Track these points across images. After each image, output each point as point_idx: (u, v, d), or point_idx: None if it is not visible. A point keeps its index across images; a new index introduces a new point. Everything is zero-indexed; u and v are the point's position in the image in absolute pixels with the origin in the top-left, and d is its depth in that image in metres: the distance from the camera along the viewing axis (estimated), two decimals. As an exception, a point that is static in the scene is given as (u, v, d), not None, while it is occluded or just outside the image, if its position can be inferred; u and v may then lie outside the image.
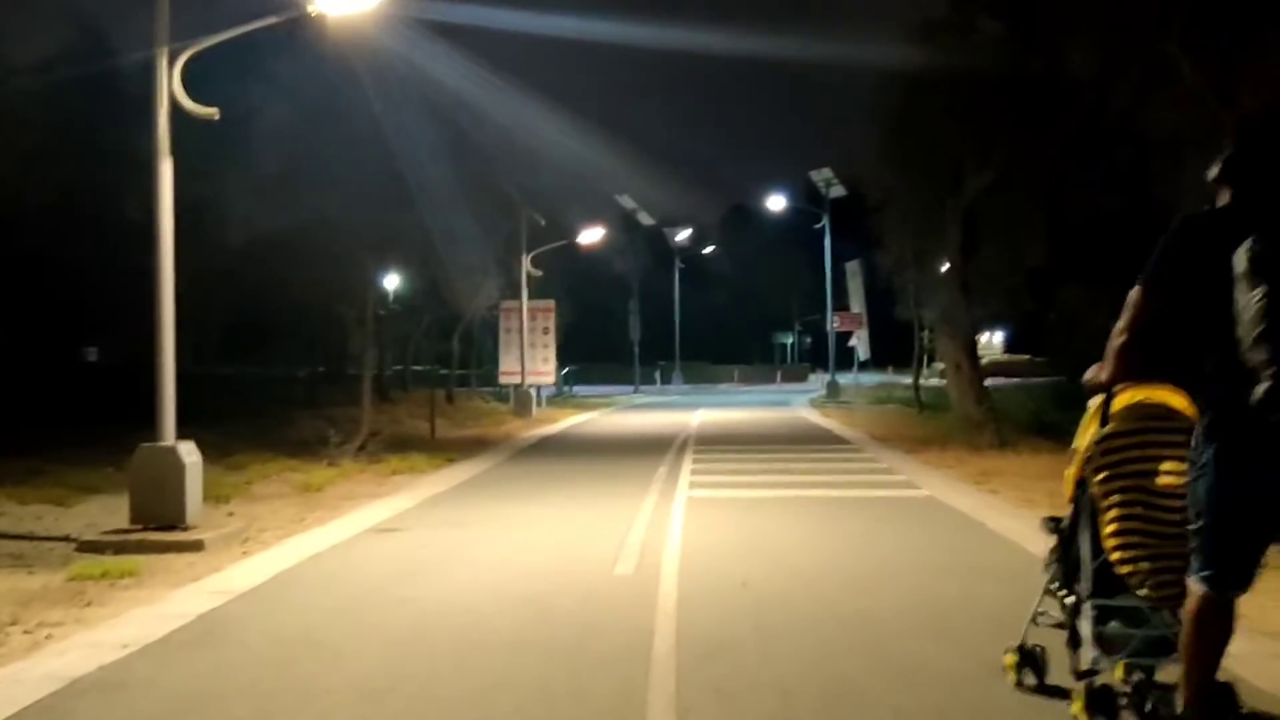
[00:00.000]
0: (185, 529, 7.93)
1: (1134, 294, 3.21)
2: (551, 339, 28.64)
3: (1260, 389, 2.86)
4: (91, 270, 16.52)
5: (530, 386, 26.30)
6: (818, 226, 35.30)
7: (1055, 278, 16.85)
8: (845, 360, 41.61)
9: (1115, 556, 3.44)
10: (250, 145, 15.96)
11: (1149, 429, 3.47)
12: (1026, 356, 37.93)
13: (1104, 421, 3.52)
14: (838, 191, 34.24)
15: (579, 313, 39.30)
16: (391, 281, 22.69)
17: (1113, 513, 3.45)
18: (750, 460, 13.12)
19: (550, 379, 29.62)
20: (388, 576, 6.27)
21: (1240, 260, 2.92)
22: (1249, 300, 2.89)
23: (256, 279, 18.44)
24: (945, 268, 24.21)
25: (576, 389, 38.94)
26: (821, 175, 34.66)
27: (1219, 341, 3.00)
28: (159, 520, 7.93)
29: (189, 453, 8.25)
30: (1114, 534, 3.44)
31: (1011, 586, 5.61)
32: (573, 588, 5.85)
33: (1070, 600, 3.67)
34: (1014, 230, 16.55)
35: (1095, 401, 3.57)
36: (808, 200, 39.34)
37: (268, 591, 5.98)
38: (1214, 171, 3.22)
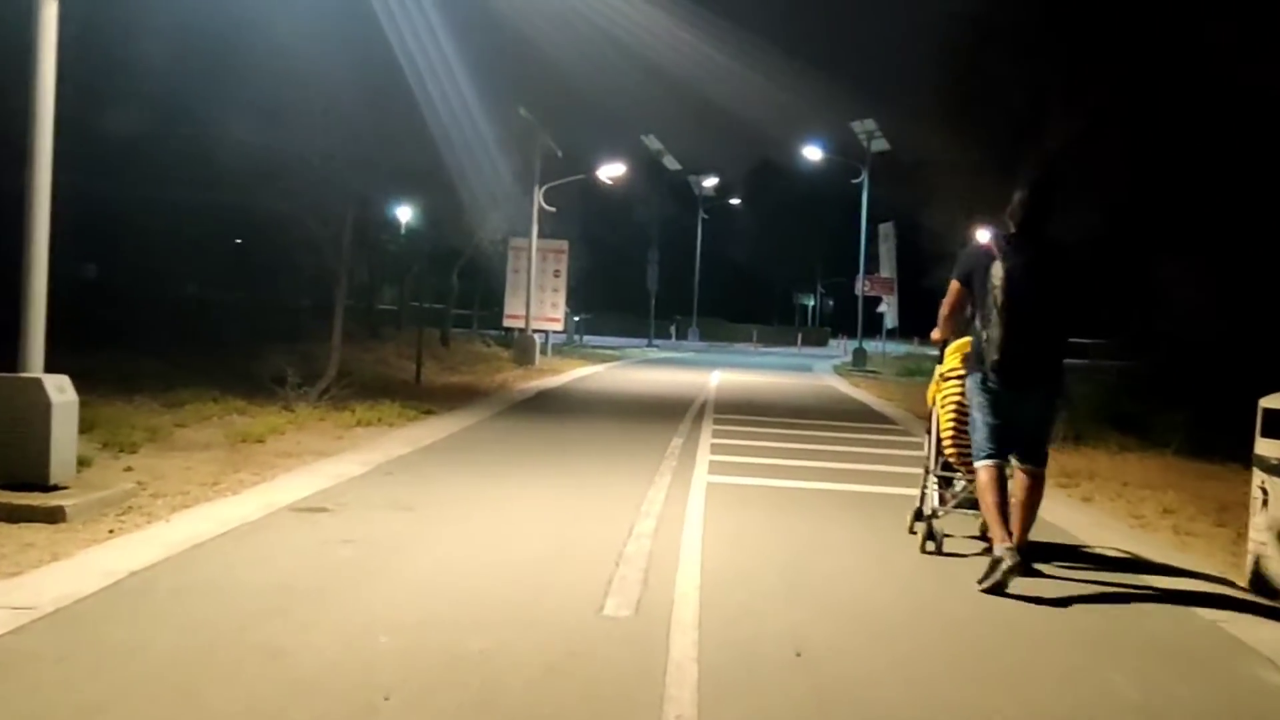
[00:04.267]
0: (48, 490, 6.00)
1: (951, 285, 5.36)
2: (562, 283, 26.54)
3: (992, 357, 5.02)
4: (91, 183, 14.63)
5: (535, 332, 24.28)
6: (856, 181, 32.89)
7: (1141, 245, 14.60)
8: (870, 327, 39.52)
9: (945, 446, 5.74)
10: (226, 45, 13.86)
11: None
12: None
13: (941, 360, 5.81)
14: (880, 145, 31.79)
15: (594, 259, 37.18)
16: (405, 213, 20.59)
17: (946, 419, 5.72)
18: (781, 437, 11.09)
19: (559, 326, 27.58)
20: (273, 598, 4.28)
21: (995, 273, 4.98)
22: (994, 297, 4.98)
23: (244, 200, 16.44)
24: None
25: (587, 339, 36.99)
26: (864, 127, 32.19)
27: (984, 317, 5.08)
28: (12, 476, 5.99)
29: (60, 389, 6.27)
30: (945, 432, 5.73)
31: (1216, 681, 3.66)
32: (537, 642, 3.85)
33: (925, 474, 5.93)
34: (1097, 188, 14.30)
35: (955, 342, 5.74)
36: (842, 157, 36.93)
37: (88, 613, 4.02)
38: (1007, 213, 5.25)
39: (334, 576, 4.65)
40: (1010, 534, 4.94)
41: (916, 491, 6.15)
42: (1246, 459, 10.36)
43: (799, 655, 3.84)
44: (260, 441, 8.88)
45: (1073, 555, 5.91)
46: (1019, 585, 5.05)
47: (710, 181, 49.19)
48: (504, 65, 18.89)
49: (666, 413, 13.15)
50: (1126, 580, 5.39)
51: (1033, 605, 4.76)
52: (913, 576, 5.25)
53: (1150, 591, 5.18)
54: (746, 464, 8.85)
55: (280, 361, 13.30)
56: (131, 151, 15.97)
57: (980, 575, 4.95)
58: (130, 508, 6.07)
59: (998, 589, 4.80)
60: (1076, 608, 4.79)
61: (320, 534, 5.49)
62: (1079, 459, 10.19)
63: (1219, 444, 11.06)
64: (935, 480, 5.84)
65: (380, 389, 13.51)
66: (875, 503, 7.27)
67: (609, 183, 29.32)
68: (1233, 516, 7.64)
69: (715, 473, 8.23)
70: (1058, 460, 10.02)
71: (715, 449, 9.69)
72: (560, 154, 23.77)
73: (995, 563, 4.89)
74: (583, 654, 3.74)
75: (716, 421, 12.23)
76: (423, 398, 13.14)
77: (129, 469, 7.21)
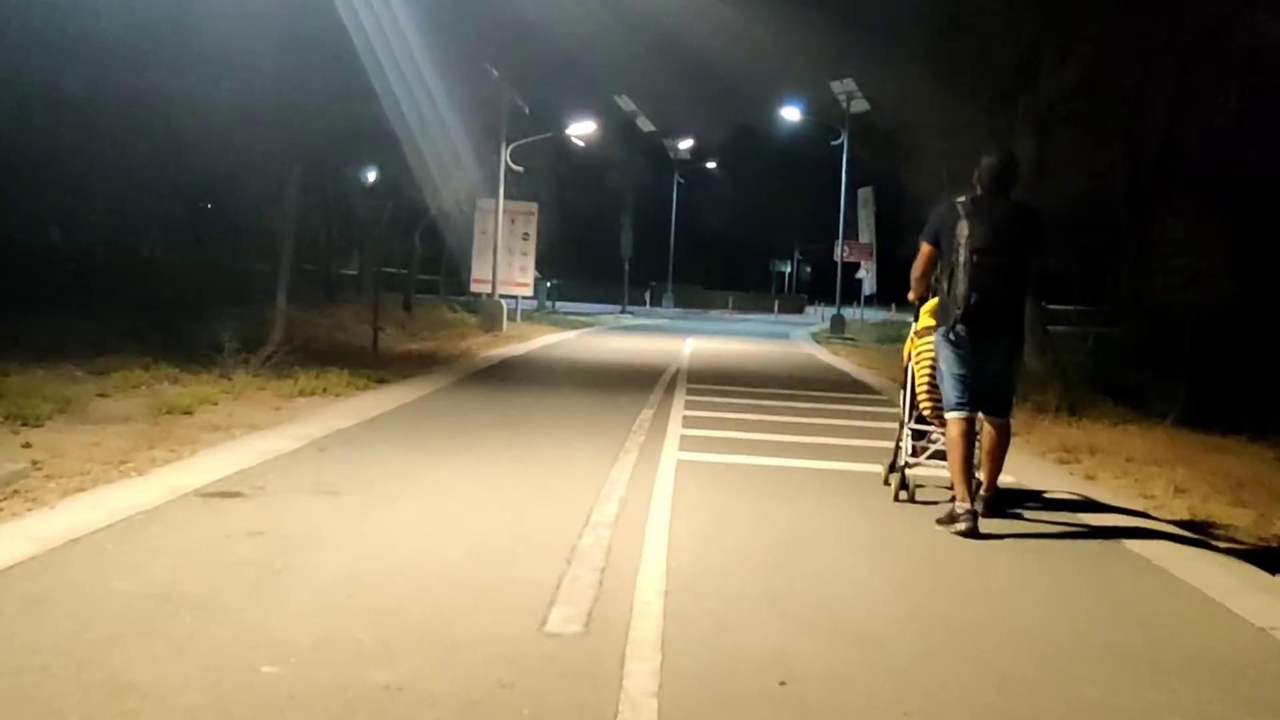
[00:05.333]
0: (-85, 472, 5.20)
1: (921, 247, 5.59)
2: (531, 246, 25.61)
3: (955, 311, 5.23)
4: (24, 139, 13.63)
5: (503, 298, 23.42)
6: (835, 143, 32.09)
7: (1139, 205, 13.89)
8: (848, 294, 38.93)
9: (920, 400, 5.98)
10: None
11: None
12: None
13: (916, 319, 6.13)
14: (860, 106, 30.93)
15: (566, 223, 36.19)
16: (370, 174, 19.63)
17: (920, 374, 5.97)
18: (758, 409, 10.38)
19: (528, 291, 26.68)
20: (143, 611, 3.51)
21: (961, 232, 5.19)
22: (961, 257, 5.18)
23: (193, 157, 15.43)
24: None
25: (560, 305, 36.18)
26: (844, 86, 31.30)
27: (949, 273, 5.31)
28: (-127, 457, 5.18)
29: (-70, 357, 5.44)
30: (920, 387, 5.97)
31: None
32: (460, 670, 3.11)
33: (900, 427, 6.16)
34: (1093, 146, 13.59)
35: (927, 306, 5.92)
36: (821, 119, 36.07)
37: (-98, 632, 3.24)
38: (974, 177, 5.45)
39: (226, 581, 3.88)
40: (972, 496, 5.27)
41: (918, 475, 5.81)
42: (1253, 432, 9.82)
43: (783, 684, 3.13)
44: (187, 413, 8.06)
45: (1087, 546, 5.23)
46: (1034, 586, 4.38)
47: (686, 144, 48.17)
48: (467, 17, 17.89)
49: (636, 382, 12.42)
50: (1151, 576, 4.72)
51: (1053, 611, 4.07)
52: (908, 573, 4.55)
53: (1180, 587, 4.52)
54: (721, 439, 8.13)
55: (234, 326, 12.44)
56: (69, 105, 14.95)
57: (968, 570, 4.66)
58: (15, 492, 5.25)
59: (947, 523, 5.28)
60: (1104, 615, 4.11)
61: (224, 525, 4.70)
62: (1077, 432, 9.53)
63: (1219, 415, 10.48)
64: (910, 433, 6.02)
65: (333, 356, 12.66)
66: (861, 482, 6.57)
67: (580, 142, 28.35)
68: (1250, 495, 7.03)
69: (686, 449, 7.50)
70: (1055, 433, 9.40)
71: (687, 422, 8.97)
72: (528, 110, 22.78)
73: (953, 515, 5.25)
74: (516, 686, 3.00)
75: (689, 392, 11.50)
76: (377, 365, 12.32)
77: (27, 445, 6.37)
